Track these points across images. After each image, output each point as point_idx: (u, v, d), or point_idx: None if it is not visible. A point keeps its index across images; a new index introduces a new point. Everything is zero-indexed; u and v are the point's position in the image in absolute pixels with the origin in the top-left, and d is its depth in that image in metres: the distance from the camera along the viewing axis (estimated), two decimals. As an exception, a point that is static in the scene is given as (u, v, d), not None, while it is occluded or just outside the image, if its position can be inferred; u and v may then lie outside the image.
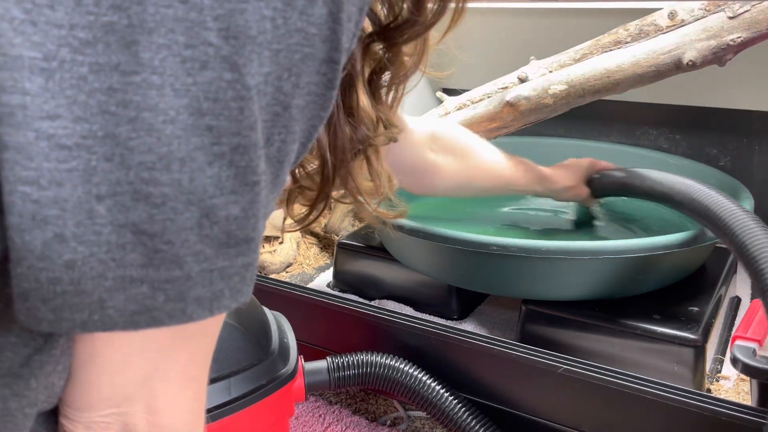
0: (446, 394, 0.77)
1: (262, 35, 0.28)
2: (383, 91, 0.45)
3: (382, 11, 0.43)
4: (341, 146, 0.42)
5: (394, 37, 0.43)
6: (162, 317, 0.29)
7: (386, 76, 0.45)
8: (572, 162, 1.04)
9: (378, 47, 0.44)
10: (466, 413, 0.76)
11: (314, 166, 0.45)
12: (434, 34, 0.47)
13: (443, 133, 0.88)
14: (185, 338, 0.33)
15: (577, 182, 1.02)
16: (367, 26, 0.42)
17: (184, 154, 0.27)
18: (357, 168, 0.45)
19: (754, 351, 0.71)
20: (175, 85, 0.27)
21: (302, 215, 0.49)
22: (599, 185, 1.02)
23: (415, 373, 0.79)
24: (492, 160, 0.93)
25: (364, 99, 0.43)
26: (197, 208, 0.28)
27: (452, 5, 0.46)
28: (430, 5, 0.44)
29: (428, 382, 0.78)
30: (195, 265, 0.29)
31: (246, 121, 0.28)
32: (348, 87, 0.41)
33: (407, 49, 0.45)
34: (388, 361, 0.80)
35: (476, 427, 0.76)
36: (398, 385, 0.79)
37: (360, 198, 0.47)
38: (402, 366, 0.79)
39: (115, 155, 0.26)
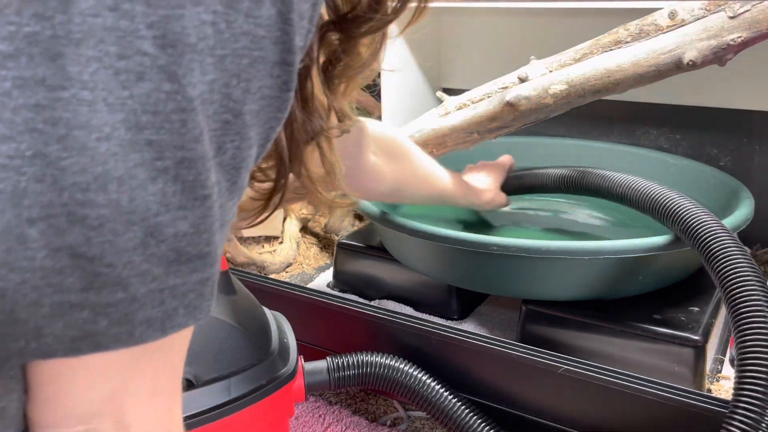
0: (446, 394, 0.77)
1: (202, 42, 0.27)
2: (339, 83, 0.43)
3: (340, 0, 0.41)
4: (296, 137, 0.40)
5: (351, 29, 0.41)
6: (106, 342, 0.28)
7: (341, 67, 0.43)
8: (489, 166, 1.08)
9: (335, 37, 0.42)
10: (467, 412, 0.76)
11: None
12: (394, 28, 0.45)
13: (383, 136, 0.86)
14: (150, 354, 0.32)
15: (496, 190, 1.05)
16: (325, 15, 0.41)
17: (123, 172, 0.26)
18: (310, 158, 0.43)
19: (754, 351, 0.71)
20: (108, 99, 0.25)
21: (256, 210, 0.46)
22: (511, 187, 1.08)
23: (415, 373, 0.79)
24: (427, 169, 0.93)
25: (318, 88, 0.40)
26: (140, 228, 0.27)
27: (413, 4, 0.45)
28: (390, 2, 0.42)
29: (428, 382, 0.78)
30: (141, 286, 0.28)
31: (190, 134, 0.27)
32: (303, 76, 0.39)
33: (365, 41, 0.43)
34: (387, 361, 0.80)
35: (476, 427, 0.76)
36: (398, 385, 0.79)
37: (313, 188, 0.44)
38: (402, 366, 0.79)
39: (46, 176, 0.25)
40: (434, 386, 0.78)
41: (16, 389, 0.31)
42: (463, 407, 0.77)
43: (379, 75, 1.39)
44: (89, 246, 0.26)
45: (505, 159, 1.11)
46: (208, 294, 0.31)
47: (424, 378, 0.78)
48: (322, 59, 0.42)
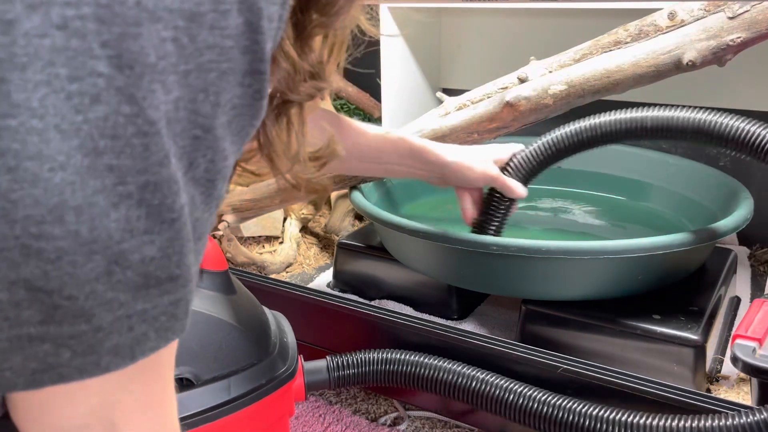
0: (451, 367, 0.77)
1: (163, 60, 0.25)
2: (312, 34, 0.38)
3: None
4: None
5: None
6: (70, 373, 0.27)
7: (314, 18, 0.38)
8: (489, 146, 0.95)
9: None
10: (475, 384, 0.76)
11: None
12: None
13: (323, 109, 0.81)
14: (133, 372, 0.31)
15: (479, 171, 0.89)
16: None
17: (81, 201, 0.24)
18: (276, 126, 0.39)
19: (754, 350, 0.71)
20: (61, 125, 0.23)
21: None
22: (523, 167, 0.92)
23: (416, 371, 0.78)
24: (365, 132, 0.84)
25: (285, 42, 0.36)
26: (102, 257, 0.25)
27: None
28: None
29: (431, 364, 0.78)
30: (107, 315, 0.26)
31: (153, 158, 0.25)
32: None
33: None
34: (387, 356, 0.80)
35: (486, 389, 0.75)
36: (399, 376, 0.79)
37: (277, 161, 0.40)
38: (402, 366, 0.79)
39: None
40: (438, 365, 0.77)
41: None
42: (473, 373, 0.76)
43: (379, 76, 1.40)
44: (47, 279, 0.25)
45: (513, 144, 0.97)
46: (182, 314, 0.29)
47: (426, 365, 0.78)
48: (291, 2, 0.38)
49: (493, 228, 0.91)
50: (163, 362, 0.33)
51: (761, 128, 0.75)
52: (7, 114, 0.23)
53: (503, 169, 0.91)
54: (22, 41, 0.23)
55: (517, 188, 0.90)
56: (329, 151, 0.48)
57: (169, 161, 0.26)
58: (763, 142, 0.75)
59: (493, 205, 0.91)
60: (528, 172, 0.91)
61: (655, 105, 0.83)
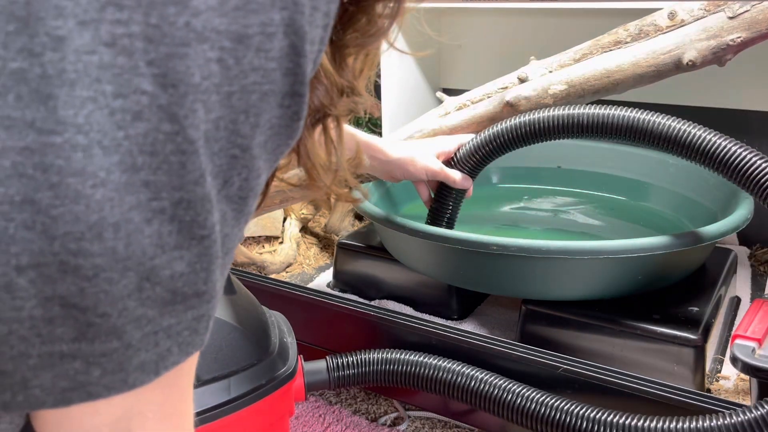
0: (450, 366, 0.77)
1: (207, 80, 0.25)
2: (349, 53, 0.39)
3: None
4: None
5: None
6: (98, 391, 0.27)
7: (353, 37, 0.38)
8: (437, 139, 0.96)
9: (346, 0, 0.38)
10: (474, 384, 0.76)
11: None
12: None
13: None
14: (157, 384, 0.31)
15: (421, 167, 0.91)
16: None
17: (119, 217, 0.24)
18: (313, 139, 0.39)
19: (753, 350, 0.71)
20: (103, 142, 0.23)
21: None
22: (467, 159, 0.92)
23: (416, 370, 0.78)
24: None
25: (324, 60, 0.37)
26: (135, 273, 0.25)
27: None
28: None
29: (431, 363, 0.78)
30: (136, 332, 0.26)
31: (189, 176, 0.26)
32: None
33: (379, 5, 0.38)
34: (387, 356, 0.80)
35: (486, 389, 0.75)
36: (399, 376, 0.79)
37: (314, 173, 0.41)
38: (402, 366, 0.79)
39: (37, 223, 0.23)
40: (438, 365, 0.77)
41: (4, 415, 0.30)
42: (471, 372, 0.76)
43: (379, 75, 1.40)
44: (82, 296, 0.25)
45: (462, 135, 0.98)
46: (203, 329, 0.30)
47: (426, 364, 0.78)
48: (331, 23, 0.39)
49: (446, 218, 0.96)
50: (184, 373, 0.33)
51: (694, 128, 0.77)
52: (53, 130, 0.23)
53: (449, 161, 0.94)
54: (71, 57, 0.23)
55: (459, 179, 0.93)
56: (357, 161, 0.50)
57: (205, 180, 0.26)
58: (695, 140, 0.77)
59: (442, 196, 0.95)
60: (473, 164, 0.93)
61: (631, 105, 0.83)
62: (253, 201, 0.30)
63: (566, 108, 0.84)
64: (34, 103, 0.23)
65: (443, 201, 0.95)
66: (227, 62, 0.26)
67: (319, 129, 0.40)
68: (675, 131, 0.78)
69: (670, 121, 0.78)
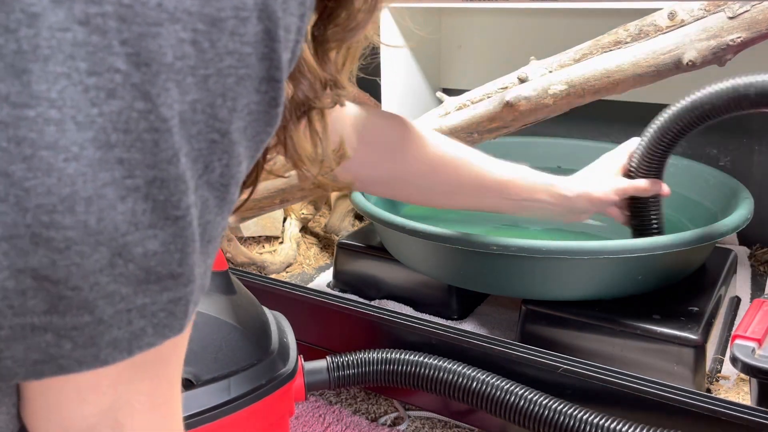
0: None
1: (180, 61, 0.26)
2: (330, 47, 0.40)
3: None
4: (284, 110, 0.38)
5: None
6: (70, 365, 0.27)
7: (334, 32, 0.39)
8: (600, 163, 0.88)
9: None
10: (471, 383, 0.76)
11: None
12: None
13: (374, 122, 0.74)
14: (143, 369, 0.31)
15: (607, 191, 0.85)
16: None
17: (91, 192, 0.25)
18: (299, 131, 0.41)
19: (753, 350, 0.71)
20: (77, 117, 0.24)
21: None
22: (651, 161, 0.85)
23: (416, 370, 0.79)
24: (445, 157, 0.77)
25: (306, 55, 0.38)
26: (107, 248, 0.26)
27: None
28: None
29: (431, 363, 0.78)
30: (108, 308, 0.27)
31: (162, 154, 0.26)
32: None
33: (357, 1, 0.39)
34: (387, 358, 0.80)
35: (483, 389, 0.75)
36: (399, 376, 0.79)
37: (301, 165, 0.42)
38: (402, 366, 0.79)
39: (9, 195, 0.24)
40: (438, 365, 0.77)
41: (3, 402, 0.31)
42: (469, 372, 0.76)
43: (379, 75, 1.40)
44: (54, 269, 0.25)
45: (627, 142, 0.91)
46: (180, 313, 0.30)
47: (426, 365, 0.78)
48: (310, 22, 0.38)
49: (655, 228, 0.88)
50: (171, 363, 0.33)
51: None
52: (26, 104, 0.23)
53: (629, 173, 0.87)
54: (45, 33, 0.23)
55: (651, 185, 0.86)
56: (342, 152, 0.51)
57: (179, 160, 0.27)
58: None
59: (640, 209, 0.88)
60: (655, 165, 0.85)
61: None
62: (235, 189, 0.31)
63: (726, 81, 0.77)
64: (8, 78, 0.23)
65: (645, 211, 0.87)
66: (202, 45, 0.26)
67: (304, 122, 0.41)
68: None
69: None
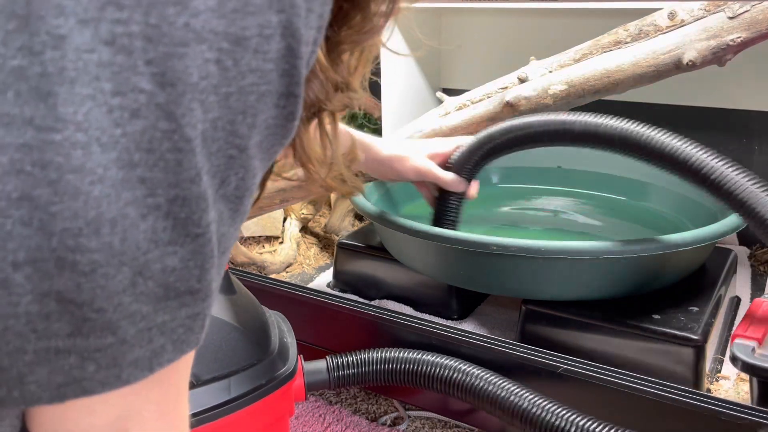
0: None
1: (205, 80, 0.25)
2: (344, 49, 0.39)
3: None
4: None
5: None
6: (93, 386, 0.27)
7: (348, 34, 0.39)
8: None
9: None
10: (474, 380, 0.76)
11: None
12: None
13: None
14: (153, 382, 0.31)
15: (408, 168, 0.90)
16: None
17: (115, 213, 0.24)
18: (309, 133, 0.40)
19: (753, 349, 0.71)
20: (102, 139, 0.24)
21: None
22: (467, 161, 0.90)
23: (416, 368, 0.78)
24: None
25: (319, 55, 0.37)
26: (129, 268, 0.26)
27: None
28: None
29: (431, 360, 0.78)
30: (130, 327, 0.27)
31: (185, 174, 0.26)
32: None
33: (374, 4, 0.39)
34: (387, 358, 0.80)
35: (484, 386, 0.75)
36: (399, 375, 0.79)
37: (309, 166, 0.41)
38: (402, 365, 0.79)
39: (34, 219, 0.24)
40: (438, 362, 0.77)
41: (8, 415, 0.31)
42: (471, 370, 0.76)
43: (379, 75, 1.40)
44: (79, 291, 0.25)
45: (461, 137, 0.96)
46: (198, 328, 0.30)
47: (426, 362, 0.78)
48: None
49: (448, 221, 0.94)
50: (180, 372, 0.33)
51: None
52: (52, 128, 0.23)
53: (445, 163, 0.92)
54: (72, 55, 0.23)
55: (453, 181, 0.91)
56: (352, 156, 0.51)
57: (201, 178, 0.26)
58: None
59: (442, 199, 0.94)
60: (470, 166, 0.90)
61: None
62: (249, 200, 0.31)
63: (561, 114, 0.82)
64: (33, 101, 0.23)
65: (443, 203, 0.94)
66: (225, 63, 0.26)
67: (314, 123, 0.41)
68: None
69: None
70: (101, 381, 0.27)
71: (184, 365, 0.33)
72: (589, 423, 0.67)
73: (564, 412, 0.68)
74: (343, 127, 0.84)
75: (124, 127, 0.24)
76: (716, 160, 0.73)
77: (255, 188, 0.31)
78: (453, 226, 0.94)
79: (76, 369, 0.26)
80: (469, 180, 0.92)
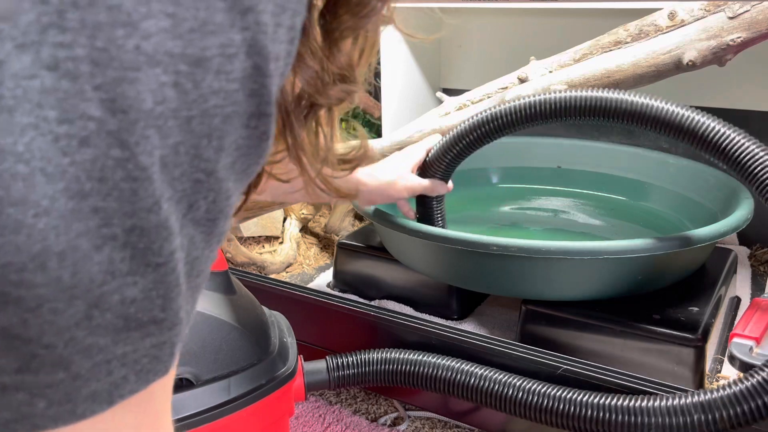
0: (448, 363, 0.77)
1: (161, 105, 0.24)
2: (342, 36, 0.37)
3: None
4: (285, 103, 0.36)
5: None
6: (45, 423, 0.26)
7: (344, 19, 0.36)
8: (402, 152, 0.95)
9: None
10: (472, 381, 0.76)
11: None
12: None
13: None
14: (125, 410, 0.29)
15: (398, 176, 0.91)
16: None
17: (64, 246, 0.23)
18: (303, 129, 0.38)
19: (751, 348, 0.71)
20: (47, 169, 0.22)
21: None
22: (440, 162, 0.92)
23: (416, 369, 0.79)
24: None
25: (314, 43, 0.35)
26: (83, 301, 0.24)
27: None
28: None
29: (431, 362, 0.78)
30: (85, 362, 0.25)
31: (142, 203, 0.24)
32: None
33: None
34: (387, 358, 0.80)
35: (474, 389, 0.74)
36: (399, 375, 0.79)
37: (304, 165, 0.39)
38: (402, 366, 0.79)
39: None
40: (439, 363, 0.77)
41: None
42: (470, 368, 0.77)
43: (379, 76, 1.40)
44: (25, 327, 0.23)
45: (430, 138, 0.97)
46: (166, 356, 0.28)
47: (426, 363, 0.78)
48: (319, 3, 0.35)
49: (439, 221, 0.97)
50: (157, 397, 0.31)
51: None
52: None
53: (424, 169, 0.94)
54: (10, 83, 0.22)
55: (439, 187, 0.94)
56: (361, 153, 0.47)
57: (160, 207, 0.25)
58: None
59: (426, 203, 0.96)
60: (445, 166, 0.93)
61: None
62: (224, 222, 0.29)
63: (525, 97, 0.84)
64: None
65: (429, 207, 0.96)
66: (184, 86, 0.25)
67: (310, 117, 0.39)
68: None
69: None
70: (53, 417, 0.26)
71: (161, 389, 0.31)
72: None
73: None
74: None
75: (72, 156, 0.23)
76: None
77: (230, 210, 0.30)
78: (442, 225, 0.96)
79: (25, 405, 0.25)
80: (446, 179, 0.95)
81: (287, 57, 0.30)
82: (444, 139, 0.91)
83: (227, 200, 0.29)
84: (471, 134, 0.88)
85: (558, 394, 0.71)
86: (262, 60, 0.27)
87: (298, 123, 0.37)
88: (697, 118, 0.77)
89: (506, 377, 0.74)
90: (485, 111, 0.87)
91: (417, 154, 0.94)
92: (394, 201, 0.95)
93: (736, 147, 0.74)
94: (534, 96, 0.83)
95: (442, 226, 0.96)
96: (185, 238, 0.27)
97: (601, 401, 0.68)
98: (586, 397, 0.69)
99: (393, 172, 0.92)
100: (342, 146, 0.43)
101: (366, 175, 0.89)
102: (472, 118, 0.88)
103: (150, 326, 0.27)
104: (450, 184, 0.96)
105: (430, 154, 0.94)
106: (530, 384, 0.73)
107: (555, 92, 0.82)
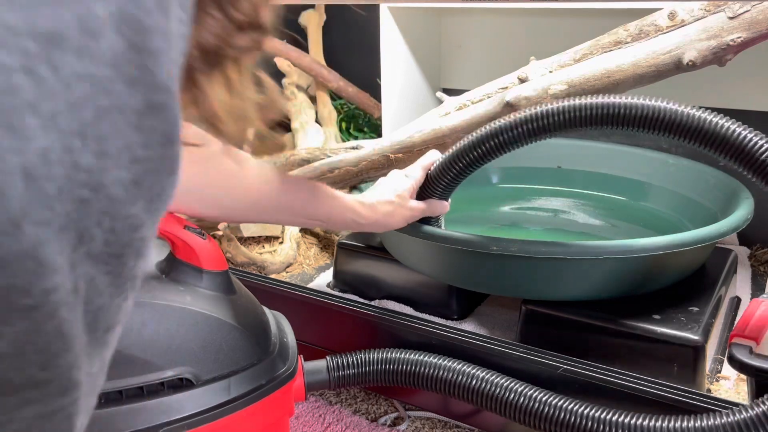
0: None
1: (11, 97, 0.19)
2: None
3: None
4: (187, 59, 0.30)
5: None
6: None
7: None
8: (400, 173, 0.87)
9: None
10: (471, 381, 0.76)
11: None
12: None
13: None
14: None
15: (400, 198, 0.83)
16: None
17: None
18: (213, 85, 0.33)
19: (750, 349, 0.71)
20: None
21: None
22: (440, 182, 0.86)
23: (416, 370, 0.79)
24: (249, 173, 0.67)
25: None
26: None
27: None
28: None
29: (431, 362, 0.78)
30: None
31: None
32: None
33: None
34: (387, 358, 0.80)
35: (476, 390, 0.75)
36: (399, 375, 0.79)
37: (218, 122, 0.34)
38: (402, 366, 0.79)
39: None
40: (439, 363, 0.77)
41: None
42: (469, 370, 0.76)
43: (379, 76, 1.40)
44: None
45: (428, 155, 0.89)
46: (64, 429, 0.24)
47: (427, 364, 0.78)
48: None
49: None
50: None
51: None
52: None
53: (423, 188, 0.87)
54: None
55: (435, 209, 0.87)
56: (271, 101, 0.40)
57: (21, 230, 0.20)
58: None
59: (425, 219, 0.90)
60: (445, 186, 0.86)
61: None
62: (136, 260, 0.24)
63: (518, 114, 0.79)
64: None
65: (427, 222, 0.90)
66: (38, 71, 0.20)
67: (218, 72, 0.34)
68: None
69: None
70: None
71: None
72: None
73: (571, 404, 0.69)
74: (333, 191, 0.77)
75: None
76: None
77: (144, 245, 0.24)
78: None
79: None
80: (446, 198, 0.89)
81: (181, 26, 0.25)
82: (444, 156, 0.85)
83: (134, 231, 0.23)
84: (473, 152, 0.82)
85: (565, 405, 0.71)
86: (139, 36, 0.22)
87: (204, 80, 0.33)
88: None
89: (507, 381, 0.74)
90: (489, 126, 0.80)
91: (415, 175, 0.86)
92: (394, 228, 0.86)
93: None
94: (545, 106, 0.78)
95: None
96: (81, 279, 0.22)
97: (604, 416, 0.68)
98: (590, 410, 0.69)
99: (390, 203, 0.82)
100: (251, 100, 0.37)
101: (363, 207, 0.80)
102: (477, 133, 0.82)
103: (29, 390, 0.22)
104: (449, 201, 0.90)
105: (430, 172, 0.87)
106: (541, 394, 0.73)
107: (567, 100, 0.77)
